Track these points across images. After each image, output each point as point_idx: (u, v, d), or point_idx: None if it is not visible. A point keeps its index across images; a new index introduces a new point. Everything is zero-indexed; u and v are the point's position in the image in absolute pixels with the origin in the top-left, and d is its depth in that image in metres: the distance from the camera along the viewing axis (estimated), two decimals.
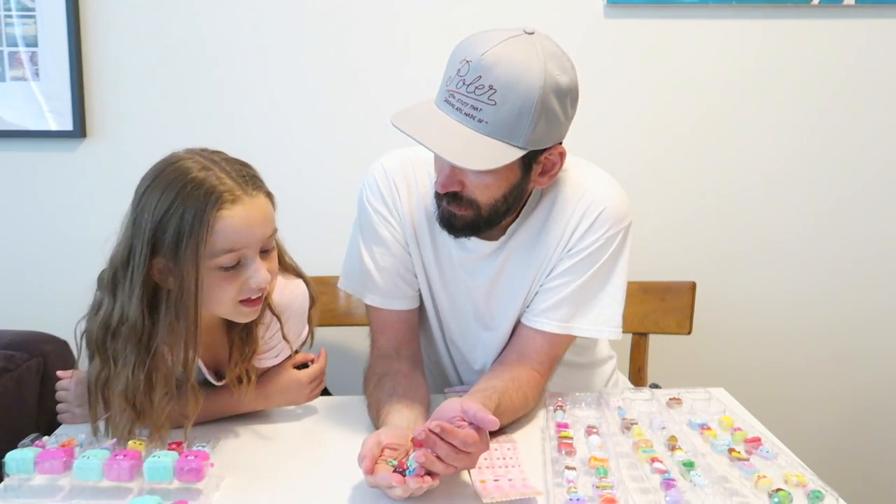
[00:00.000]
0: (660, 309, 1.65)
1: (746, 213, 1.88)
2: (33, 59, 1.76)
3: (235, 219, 1.03)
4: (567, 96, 1.11)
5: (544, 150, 1.13)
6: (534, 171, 1.16)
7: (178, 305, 1.03)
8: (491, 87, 1.05)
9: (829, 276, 1.91)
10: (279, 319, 1.16)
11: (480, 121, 1.06)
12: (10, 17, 1.74)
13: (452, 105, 1.08)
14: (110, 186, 1.82)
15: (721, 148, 1.85)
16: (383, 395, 1.18)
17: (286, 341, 1.18)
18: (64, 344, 1.54)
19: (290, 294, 1.19)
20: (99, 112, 1.79)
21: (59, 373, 1.21)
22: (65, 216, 1.83)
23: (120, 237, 1.07)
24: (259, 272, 1.06)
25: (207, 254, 1.02)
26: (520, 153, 1.08)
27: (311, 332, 1.27)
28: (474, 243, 1.25)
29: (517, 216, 1.24)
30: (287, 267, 1.22)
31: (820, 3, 1.78)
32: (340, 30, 1.78)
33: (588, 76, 1.80)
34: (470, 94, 1.06)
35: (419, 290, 1.32)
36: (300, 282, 1.23)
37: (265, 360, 1.21)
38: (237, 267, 1.05)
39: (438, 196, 1.18)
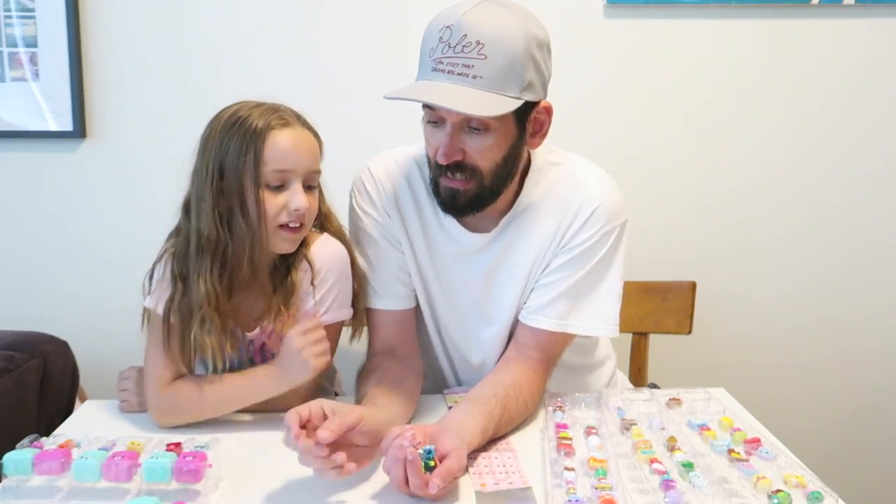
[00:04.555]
0: (660, 309, 1.65)
1: (747, 212, 1.88)
2: (33, 59, 1.76)
3: (285, 138, 1.15)
4: (544, 47, 1.14)
5: (534, 106, 1.15)
6: (527, 131, 1.17)
7: (246, 215, 1.14)
8: (478, 43, 1.07)
9: (829, 275, 1.91)
10: (311, 267, 1.22)
11: (475, 77, 1.07)
12: (10, 17, 1.74)
13: (443, 71, 1.09)
14: (110, 187, 1.82)
15: (721, 147, 1.85)
16: (368, 387, 1.19)
17: (312, 287, 1.22)
18: (64, 344, 1.54)
19: (329, 250, 1.25)
20: (99, 112, 1.79)
21: (123, 370, 1.29)
22: (65, 216, 1.83)
23: (191, 169, 1.19)
24: (298, 195, 1.15)
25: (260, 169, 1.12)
26: (517, 103, 1.10)
27: (356, 298, 1.27)
28: (466, 236, 1.25)
29: (510, 207, 1.24)
30: (334, 232, 1.28)
31: (820, 3, 1.78)
32: (344, 30, 1.78)
33: (587, 75, 1.82)
34: (459, 55, 1.08)
35: (414, 289, 1.32)
36: (341, 245, 1.27)
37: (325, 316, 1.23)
38: (281, 188, 1.15)
39: (438, 173, 1.17)
